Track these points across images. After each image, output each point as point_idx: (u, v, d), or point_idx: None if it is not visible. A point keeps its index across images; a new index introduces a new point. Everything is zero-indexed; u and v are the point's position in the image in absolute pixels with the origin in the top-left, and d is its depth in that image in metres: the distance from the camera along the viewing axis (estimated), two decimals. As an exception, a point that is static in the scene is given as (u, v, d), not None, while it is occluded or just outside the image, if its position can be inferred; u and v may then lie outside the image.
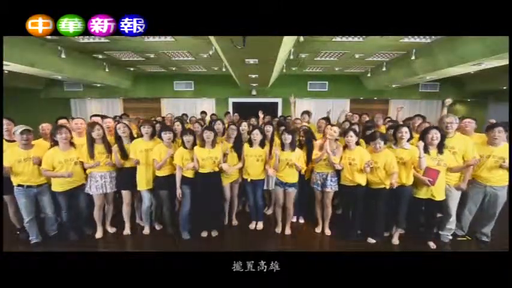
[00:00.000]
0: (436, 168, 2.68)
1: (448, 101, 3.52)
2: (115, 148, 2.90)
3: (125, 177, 3.01)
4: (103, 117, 3.69)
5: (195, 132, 3.15)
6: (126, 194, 3.08)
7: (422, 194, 2.80)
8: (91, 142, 2.85)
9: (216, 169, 2.97)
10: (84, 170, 2.94)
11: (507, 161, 2.65)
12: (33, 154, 2.72)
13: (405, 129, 2.78)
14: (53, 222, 2.97)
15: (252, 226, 3.35)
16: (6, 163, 2.61)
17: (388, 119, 4.43)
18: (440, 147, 2.71)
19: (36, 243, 2.91)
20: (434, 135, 2.67)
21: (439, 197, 2.76)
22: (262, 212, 3.43)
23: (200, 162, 2.89)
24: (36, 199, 2.82)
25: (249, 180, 3.15)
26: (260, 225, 3.34)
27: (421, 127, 3.29)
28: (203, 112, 5.86)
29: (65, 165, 2.75)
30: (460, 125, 2.95)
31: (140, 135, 3.12)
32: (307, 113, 4.37)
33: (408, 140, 2.80)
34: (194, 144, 2.96)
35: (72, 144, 2.86)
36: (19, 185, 2.73)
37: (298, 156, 2.94)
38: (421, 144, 2.61)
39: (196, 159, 2.88)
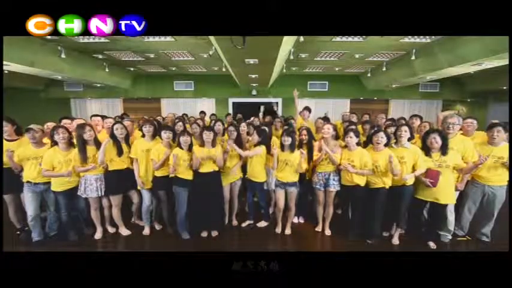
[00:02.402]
0: (436, 170, 2.67)
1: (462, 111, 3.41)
2: (108, 143, 2.80)
3: (113, 181, 2.93)
4: (103, 117, 3.69)
5: (192, 133, 3.15)
6: (114, 198, 3.02)
7: (425, 195, 2.78)
8: (83, 145, 2.76)
9: (216, 168, 2.98)
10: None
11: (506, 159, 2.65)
12: (42, 153, 2.74)
13: (405, 128, 2.78)
14: (55, 219, 2.98)
15: (245, 224, 3.38)
16: (16, 160, 2.69)
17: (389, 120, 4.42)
18: (444, 149, 2.66)
19: (38, 241, 2.91)
20: (433, 140, 2.66)
21: (444, 200, 2.71)
22: (267, 212, 3.42)
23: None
24: (42, 196, 2.85)
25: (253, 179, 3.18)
26: (262, 224, 3.35)
27: (421, 127, 3.28)
28: (202, 112, 5.86)
29: (64, 165, 2.75)
30: (462, 126, 2.94)
31: (142, 135, 3.12)
32: (308, 109, 4.37)
33: (409, 140, 2.79)
34: (191, 145, 2.96)
35: (71, 144, 2.85)
36: (28, 182, 2.76)
37: (296, 157, 2.93)
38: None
39: (197, 159, 2.87)
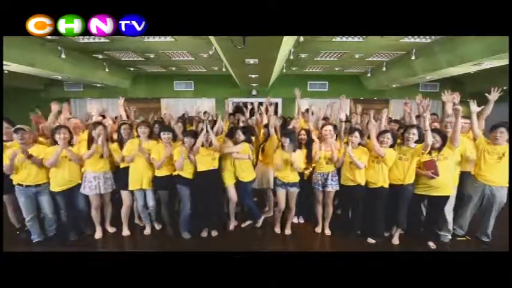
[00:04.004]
0: (430, 159, 2.67)
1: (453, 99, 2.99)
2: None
3: (124, 177, 2.98)
4: (104, 117, 3.70)
5: (196, 133, 3.16)
6: (125, 195, 3.05)
7: (423, 190, 2.79)
8: (91, 140, 2.88)
9: (216, 166, 2.99)
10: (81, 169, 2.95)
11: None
12: (31, 153, 2.70)
13: (413, 130, 2.75)
14: (52, 223, 2.96)
15: (245, 224, 3.39)
16: (6, 161, 2.63)
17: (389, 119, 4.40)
18: (441, 148, 2.71)
19: (38, 241, 2.91)
20: (434, 139, 2.66)
21: (443, 191, 2.72)
22: (256, 211, 3.35)
23: (198, 159, 2.91)
24: (36, 198, 2.83)
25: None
26: (259, 223, 3.34)
27: (431, 126, 3.26)
28: (205, 112, 5.85)
29: (60, 162, 2.77)
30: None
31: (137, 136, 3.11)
32: (309, 110, 4.36)
33: (417, 142, 2.77)
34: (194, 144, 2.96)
35: (70, 144, 2.86)
36: (18, 184, 2.73)
37: (297, 157, 2.92)
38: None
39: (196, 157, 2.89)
